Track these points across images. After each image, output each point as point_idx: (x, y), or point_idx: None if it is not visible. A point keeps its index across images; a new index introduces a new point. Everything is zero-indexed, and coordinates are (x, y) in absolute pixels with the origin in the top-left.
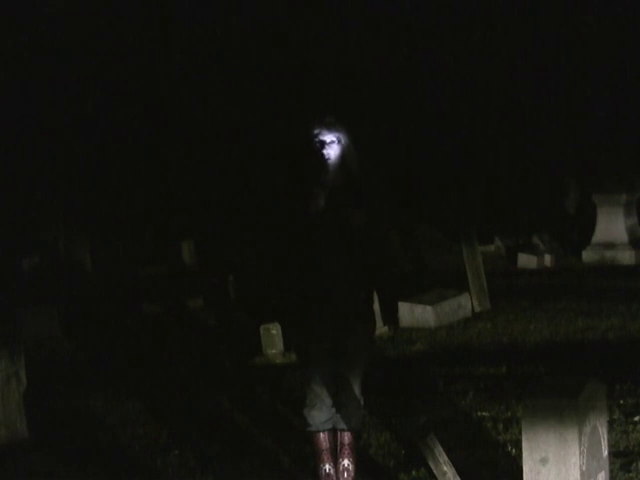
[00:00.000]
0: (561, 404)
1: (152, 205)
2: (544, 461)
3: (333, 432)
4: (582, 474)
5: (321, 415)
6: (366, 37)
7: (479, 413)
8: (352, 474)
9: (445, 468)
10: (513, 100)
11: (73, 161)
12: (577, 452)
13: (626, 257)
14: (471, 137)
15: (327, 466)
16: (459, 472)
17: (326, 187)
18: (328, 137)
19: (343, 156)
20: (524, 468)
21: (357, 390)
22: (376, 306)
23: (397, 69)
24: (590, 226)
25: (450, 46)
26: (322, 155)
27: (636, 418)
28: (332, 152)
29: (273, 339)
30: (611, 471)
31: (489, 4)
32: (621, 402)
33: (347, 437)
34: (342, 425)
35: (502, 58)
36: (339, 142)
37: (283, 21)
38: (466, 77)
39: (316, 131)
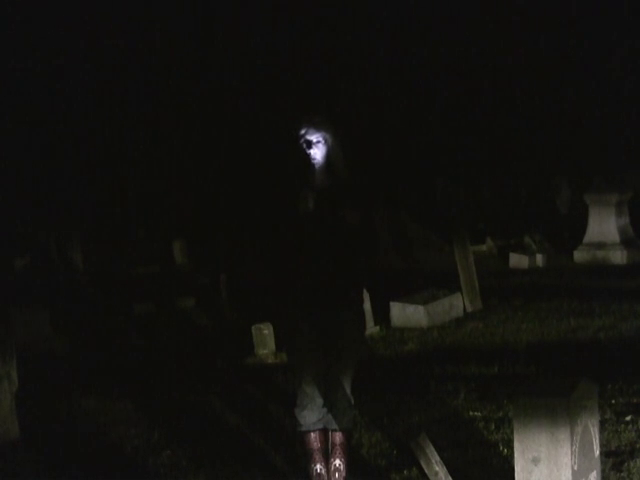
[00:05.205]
0: (553, 404)
1: (143, 205)
2: (536, 461)
3: (324, 432)
4: (574, 474)
5: (312, 415)
6: (365, 37)
7: (471, 413)
8: (343, 474)
9: (437, 468)
10: (505, 101)
11: (66, 162)
12: (569, 452)
13: (617, 257)
14: (463, 138)
15: (318, 466)
16: (451, 472)
17: (314, 188)
18: (314, 137)
19: (329, 156)
20: (516, 468)
21: (348, 390)
22: (367, 306)
23: (397, 69)
24: (582, 226)
25: (449, 46)
26: (308, 156)
27: (627, 418)
28: (318, 153)
29: (265, 339)
30: (603, 471)
31: (489, 4)
32: (612, 402)
33: (338, 437)
34: (333, 425)
35: (496, 59)
36: (325, 142)
37: (283, 21)
38: (461, 78)
39: (302, 132)
